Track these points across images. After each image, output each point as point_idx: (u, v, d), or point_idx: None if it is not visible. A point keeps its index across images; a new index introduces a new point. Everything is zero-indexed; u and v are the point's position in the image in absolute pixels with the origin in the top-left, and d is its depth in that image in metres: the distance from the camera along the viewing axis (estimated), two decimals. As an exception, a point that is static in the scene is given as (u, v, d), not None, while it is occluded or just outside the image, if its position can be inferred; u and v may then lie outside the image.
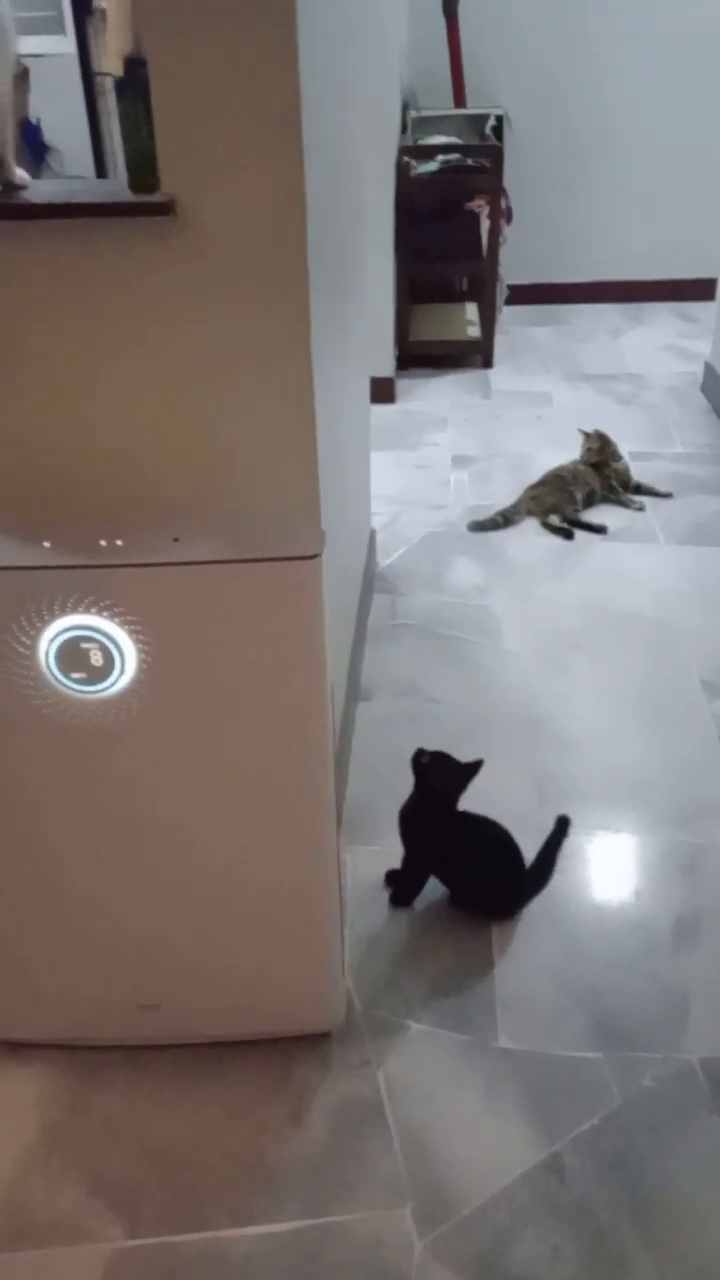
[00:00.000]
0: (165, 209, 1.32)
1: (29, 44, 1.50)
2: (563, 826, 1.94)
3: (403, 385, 4.24)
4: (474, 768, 1.77)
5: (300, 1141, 1.51)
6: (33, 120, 4.13)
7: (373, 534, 2.99)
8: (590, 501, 3.29)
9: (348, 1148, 1.50)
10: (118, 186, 1.42)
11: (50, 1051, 1.63)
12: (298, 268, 1.39)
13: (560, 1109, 1.54)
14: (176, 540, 1.24)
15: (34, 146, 4.16)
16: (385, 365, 4.04)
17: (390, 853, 1.89)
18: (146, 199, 1.34)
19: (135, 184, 1.37)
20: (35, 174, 1.51)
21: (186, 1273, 1.36)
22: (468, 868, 1.85)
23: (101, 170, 4.47)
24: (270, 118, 1.30)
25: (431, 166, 4.12)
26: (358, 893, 1.90)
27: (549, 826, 1.94)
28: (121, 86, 1.36)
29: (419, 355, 4.43)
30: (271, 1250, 1.38)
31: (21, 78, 1.49)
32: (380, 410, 3.71)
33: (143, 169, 1.36)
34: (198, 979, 1.54)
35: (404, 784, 1.82)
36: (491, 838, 1.82)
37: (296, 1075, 1.60)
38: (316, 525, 1.56)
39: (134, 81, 1.33)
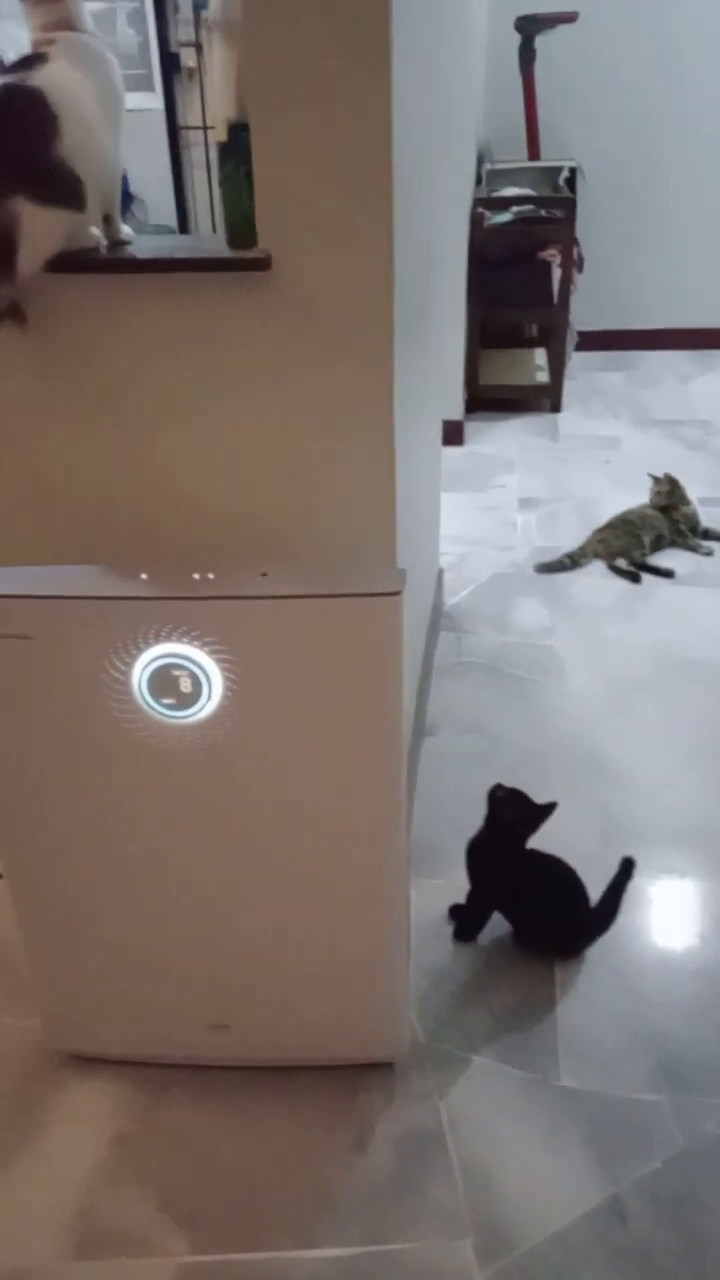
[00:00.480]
0: (263, 265, 1.40)
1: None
2: (627, 868, 1.95)
3: (471, 428, 4.31)
4: (548, 809, 1.79)
5: (363, 1168, 1.53)
6: (121, 172, 4.32)
7: (440, 573, 3.04)
8: (658, 545, 3.31)
9: (409, 1177, 1.52)
10: (215, 243, 1.51)
11: (120, 1067, 1.68)
12: (384, 322, 1.46)
13: (622, 1150, 1.54)
14: (264, 575, 1.30)
15: (122, 197, 4.36)
16: (455, 408, 4.11)
17: (454, 887, 1.91)
18: (245, 255, 1.42)
19: (234, 241, 1.46)
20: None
21: (249, 1291, 1.39)
22: (535, 904, 1.86)
23: (183, 220, 4.65)
24: (363, 182, 1.37)
25: (505, 217, 4.21)
26: (421, 926, 1.92)
27: (612, 867, 1.95)
28: (225, 150, 1.45)
29: (488, 399, 4.50)
30: (332, 1274, 1.40)
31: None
32: (449, 453, 3.77)
33: (241, 227, 1.44)
34: (267, 1002, 1.58)
35: (468, 819, 1.85)
36: (559, 876, 1.84)
37: (360, 1102, 1.62)
38: (395, 564, 1.62)
39: (237, 145, 1.42)
